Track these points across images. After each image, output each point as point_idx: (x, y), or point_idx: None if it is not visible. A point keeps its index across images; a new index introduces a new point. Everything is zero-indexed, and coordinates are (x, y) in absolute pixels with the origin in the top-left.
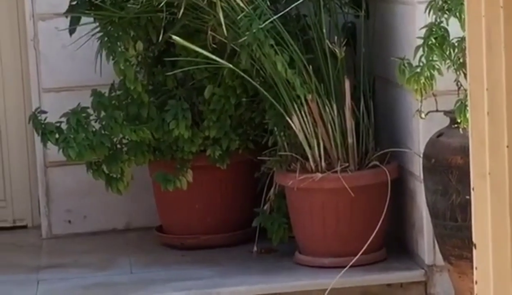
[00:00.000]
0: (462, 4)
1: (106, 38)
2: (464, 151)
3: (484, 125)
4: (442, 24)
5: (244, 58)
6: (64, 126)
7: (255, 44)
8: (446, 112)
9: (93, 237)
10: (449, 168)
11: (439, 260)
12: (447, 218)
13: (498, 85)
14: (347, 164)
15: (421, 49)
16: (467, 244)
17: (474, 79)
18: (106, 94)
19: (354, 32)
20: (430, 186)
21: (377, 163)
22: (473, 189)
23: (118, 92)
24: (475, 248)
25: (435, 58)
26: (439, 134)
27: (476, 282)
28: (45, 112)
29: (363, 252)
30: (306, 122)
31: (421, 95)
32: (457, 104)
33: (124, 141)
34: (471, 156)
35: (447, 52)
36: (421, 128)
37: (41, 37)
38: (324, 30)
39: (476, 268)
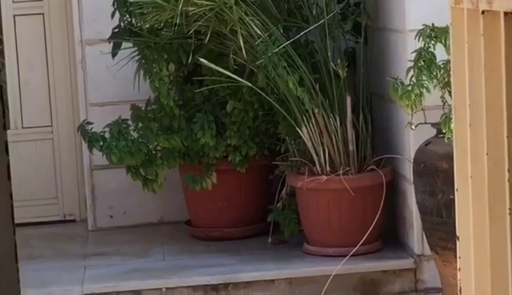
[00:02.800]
0: (447, 32)
1: (143, 61)
2: (448, 157)
3: (466, 136)
4: (430, 49)
5: (261, 77)
6: (107, 135)
7: (270, 66)
8: (433, 124)
9: (131, 229)
10: (436, 171)
11: (427, 250)
12: (433, 214)
13: (479, 101)
14: (348, 168)
15: (411, 70)
16: (451, 237)
17: (458, 96)
18: (143, 108)
19: (354, 56)
20: (419, 187)
21: (374, 167)
22: (457, 190)
23: (153, 107)
24: (459, 240)
25: (423, 78)
26: (427, 143)
27: (459, 269)
28: (91, 123)
29: (362, 243)
30: (314, 133)
31: (412, 110)
32: (443, 118)
33: (158, 148)
34: (455, 162)
35: (434, 73)
36: (412, 138)
37: (88, 59)
38: (329, 54)
39: (459, 257)
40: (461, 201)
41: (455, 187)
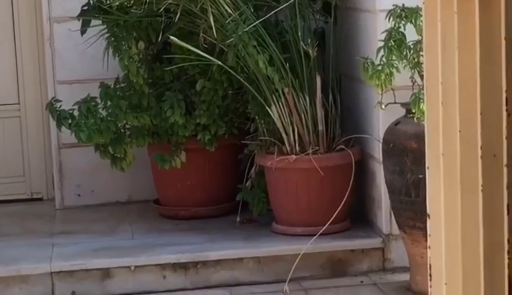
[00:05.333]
0: (417, 12)
1: (112, 38)
2: (417, 136)
3: (438, 113)
4: (400, 29)
5: (231, 56)
6: (76, 113)
7: (240, 44)
8: (402, 104)
9: (99, 208)
10: (405, 151)
11: (395, 229)
12: (402, 194)
13: (452, 79)
14: (317, 148)
15: (382, 50)
16: (419, 216)
17: (430, 74)
18: (112, 86)
19: (324, 36)
20: (388, 167)
21: (343, 147)
22: (428, 168)
23: (122, 85)
24: (429, 218)
25: (393, 58)
26: (397, 122)
27: (429, 247)
28: (59, 101)
29: (330, 222)
30: (283, 112)
31: (382, 90)
32: (412, 98)
33: (127, 126)
34: (427, 139)
35: (404, 53)
36: (381, 118)
37: (56, 37)
38: (299, 34)
39: (429, 235)
40: (432, 178)
41: (426, 165)
